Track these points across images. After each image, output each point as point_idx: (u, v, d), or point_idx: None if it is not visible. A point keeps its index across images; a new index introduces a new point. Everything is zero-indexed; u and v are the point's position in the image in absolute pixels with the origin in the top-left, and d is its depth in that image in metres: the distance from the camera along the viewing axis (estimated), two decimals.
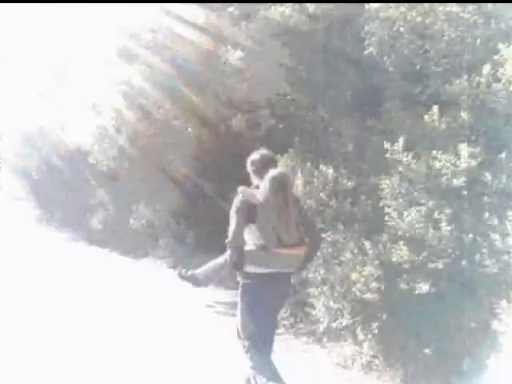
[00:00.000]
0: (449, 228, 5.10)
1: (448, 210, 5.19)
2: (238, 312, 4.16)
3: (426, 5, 6.25)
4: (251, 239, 3.97)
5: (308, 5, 7.78)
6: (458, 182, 5.19)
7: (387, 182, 5.60)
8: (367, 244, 5.74)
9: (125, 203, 12.66)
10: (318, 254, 5.53)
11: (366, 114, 6.94)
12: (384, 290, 5.52)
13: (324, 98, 7.73)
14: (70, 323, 6.86)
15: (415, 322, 5.38)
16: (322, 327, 6.24)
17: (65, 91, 13.57)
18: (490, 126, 5.57)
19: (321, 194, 6.56)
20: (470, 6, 6.00)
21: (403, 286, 5.31)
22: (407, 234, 5.38)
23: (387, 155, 5.61)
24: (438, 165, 5.30)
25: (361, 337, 5.72)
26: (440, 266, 5.15)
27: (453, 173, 5.20)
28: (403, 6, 6.36)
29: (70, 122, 13.15)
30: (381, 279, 5.50)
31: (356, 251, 5.86)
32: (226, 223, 4.01)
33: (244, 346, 4.10)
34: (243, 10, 8.37)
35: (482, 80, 5.46)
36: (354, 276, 5.66)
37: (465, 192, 5.32)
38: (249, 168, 4.31)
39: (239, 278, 4.11)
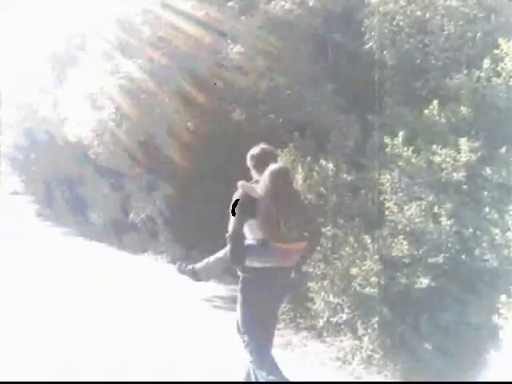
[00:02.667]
0: (449, 222, 5.10)
1: (448, 205, 5.19)
2: (238, 307, 4.16)
3: None
4: (251, 234, 3.96)
5: None
6: (458, 176, 5.20)
7: (387, 176, 5.60)
8: (367, 238, 5.75)
9: (124, 198, 12.68)
10: (318, 248, 5.53)
11: (366, 108, 6.93)
12: (384, 285, 5.52)
13: (324, 92, 7.72)
14: (68, 318, 6.87)
15: (415, 317, 5.39)
16: (321, 322, 6.25)
17: (65, 85, 13.57)
18: (490, 121, 5.57)
19: (321, 189, 6.56)
20: (470, 1, 6.01)
21: (403, 280, 5.32)
22: (407, 229, 5.39)
23: (387, 149, 5.62)
24: (438, 159, 5.30)
25: (361, 331, 5.73)
26: (440, 260, 5.16)
27: (453, 167, 5.21)
28: (403, 1, 6.35)
29: (70, 116, 13.14)
30: (381, 274, 5.51)
31: (356, 246, 5.86)
32: (226, 218, 4.00)
33: (244, 341, 4.10)
34: (243, 5, 8.36)
35: (482, 74, 5.46)
36: (353, 270, 5.67)
37: (465, 186, 5.32)
38: (249, 163, 4.30)
39: (239, 273, 4.11)
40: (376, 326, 5.60)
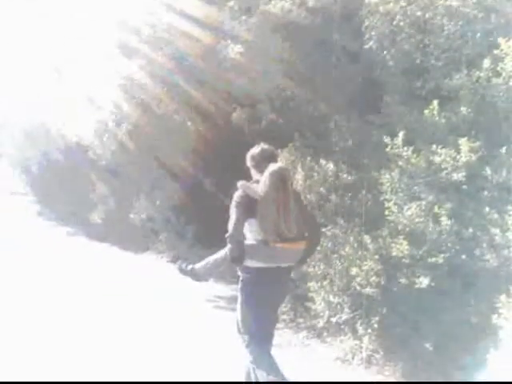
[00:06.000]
0: (449, 222, 5.11)
1: (448, 205, 5.20)
2: (238, 306, 4.16)
3: None
4: (251, 234, 3.97)
5: None
6: (457, 176, 5.20)
7: (387, 176, 5.61)
8: (367, 238, 5.75)
9: (125, 198, 12.66)
10: (318, 248, 5.53)
11: (366, 108, 6.93)
12: (384, 285, 5.53)
13: (324, 92, 7.72)
14: (69, 318, 6.86)
15: (415, 317, 5.40)
16: (322, 322, 6.25)
17: (65, 86, 13.55)
18: (489, 121, 5.58)
19: (321, 189, 6.56)
20: (470, 1, 6.00)
21: (403, 280, 5.32)
22: (407, 229, 5.39)
23: (387, 150, 5.62)
24: (438, 159, 5.31)
25: (361, 331, 5.73)
26: (440, 260, 5.16)
27: (453, 167, 5.21)
28: (403, 1, 6.35)
29: (70, 116, 13.12)
30: (381, 274, 5.51)
31: (356, 246, 5.87)
32: (226, 218, 4.00)
33: (244, 341, 4.11)
34: (243, 4, 8.34)
35: (482, 74, 5.46)
36: (354, 270, 5.67)
37: (465, 186, 5.33)
38: (249, 163, 4.31)
39: (239, 273, 4.12)
40: (376, 325, 5.60)
